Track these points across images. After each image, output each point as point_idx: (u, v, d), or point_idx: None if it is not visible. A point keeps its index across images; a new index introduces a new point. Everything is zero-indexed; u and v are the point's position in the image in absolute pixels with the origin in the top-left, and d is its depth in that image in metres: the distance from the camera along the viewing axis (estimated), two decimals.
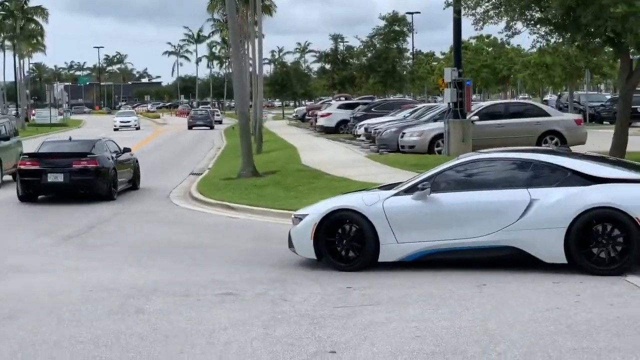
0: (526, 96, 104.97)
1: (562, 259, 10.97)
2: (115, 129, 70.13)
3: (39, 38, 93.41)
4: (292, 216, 12.73)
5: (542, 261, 11.11)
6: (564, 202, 10.94)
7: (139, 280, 11.41)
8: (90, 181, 21.03)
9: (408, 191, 11.75)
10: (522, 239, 11.07)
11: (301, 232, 12.02)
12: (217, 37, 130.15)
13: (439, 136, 28.88)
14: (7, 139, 27.18)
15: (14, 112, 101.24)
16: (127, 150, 23.69)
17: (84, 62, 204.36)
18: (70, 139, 23.68)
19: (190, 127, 72.45)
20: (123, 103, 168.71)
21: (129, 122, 75.35)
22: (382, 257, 11.64)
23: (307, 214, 12.18)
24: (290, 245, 12.31)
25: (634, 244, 10.69)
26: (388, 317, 9.08)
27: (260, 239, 14.74)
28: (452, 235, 11.37)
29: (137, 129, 72.26)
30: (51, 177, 20.91)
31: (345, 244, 11.79)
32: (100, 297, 10.37)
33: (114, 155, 22.43)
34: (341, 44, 71.78)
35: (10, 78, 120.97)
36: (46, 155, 21.68)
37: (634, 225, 10.65)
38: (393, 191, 11.97)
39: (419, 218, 11.51)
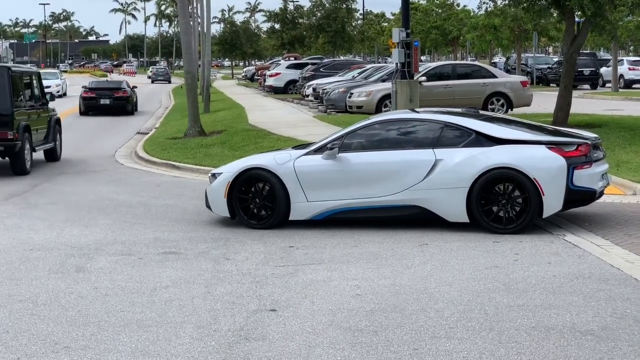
0: (473, 58, 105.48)
1: (464, 218, 11.23)
2: None
3: None
4: (209, 174, 12.82)
5: (445, 220, 11.34)
6: (466, 162, 11.16)
7: (81, 239, 11.33)
8: (124, 104, 39.13)
9: (318, 151, 11.91)
10: (426, 198, 11.30)
11: (216, 190, 12.16)
12: None
13: (387, 96, 28.89)
14: None
15: None
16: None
17: (30, 20, 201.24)
18: (107, 80, 37.90)
19: (152, 82, 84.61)
20: (69, 61, 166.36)
21: (48, 87, 42.87)
22: (293, 216, 11.82)
23: (221, 173, 12.28)
24: (207, 203, 12.44)
25: (532, 203, 10.93)
26: (329, 276, 9.14)
27: (204, 199, 14.68)
28: (361, 195, 11.56)
29: (61, 96, 50.85)
30: (102, 101, 38.49)
31: (258, 203, 11.93)
32: (40, 256, 10.29)
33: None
34: (291, 3, 71.37)
35: None
36: (98, 88, 39.88)
37: (532, 186, 10.89)
38: (304, 150, 12.12)
39: (328, 177, 11.67)
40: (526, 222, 11.03)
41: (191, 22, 38.75)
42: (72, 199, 14.92)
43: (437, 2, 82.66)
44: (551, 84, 53.51)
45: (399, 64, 27.80)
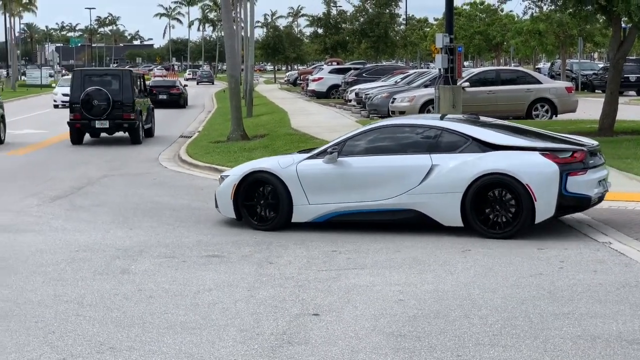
0: (517, 64, 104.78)
1: (459, 222, 11.36)
2: (56, 106, 47.27)
3: None
4: (219, 176, 13.15)
5: (441, 224, 11.46)
6: (461, 168, 11.29)
7: (125, 241, 11.42)
8: (178, 99, 47.27)
9: (320, 155, 12.16)
10: (423, 202, 11.47)
11: (223, 192, 12.51)
12: (208, 0, 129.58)
13: (430, 102, 28.80)
14: None
15: (4, 72, 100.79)
16: None
17: (77, 24, 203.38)
18: (163, 79, 37.68)
19: (197, 83, 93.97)
20: (115, 65, 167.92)
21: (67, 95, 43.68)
22: (295, 218, 12.07)
23: (229, 175, 12.67)
24: (216, 205, 12.74)
25: (524, 209, 11.00)
26: (372, 281, 9.13)
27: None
28: (360, 198, 11.77)
29: None
30: (160, 96, 41.84)
31: (262, 205, 12.23)
32: (86, 258, 10.39)
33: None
34: (334, 8, 71.32)
35: (0, 38, 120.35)
36: (156, 86, 44.76)
37: (525, 191, 10.97)
38: (307, 154, 12.38)
39: (329, 181, 11.92)
40: (518, 228, 11.10)
41: (235, 27, 38.94)
42: (116, 201, 15.04)
43: (481, 7, 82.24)
44: (596, 90, 52.96)
45: (442, 70, 27.72)
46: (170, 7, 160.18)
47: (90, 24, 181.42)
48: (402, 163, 11.65)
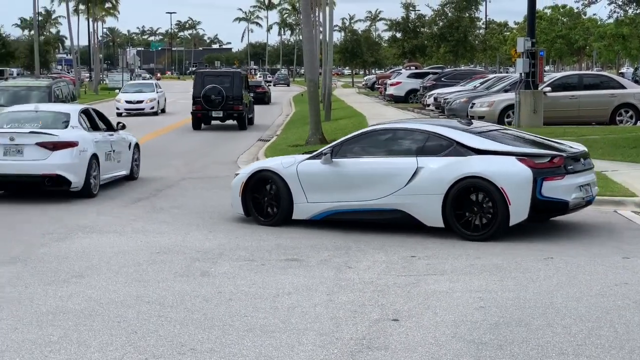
0: (599, 68, 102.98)
1: (440, 223, 11.76)
2: (119, 114, 43.30)
3: (113, 2, 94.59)
4: (234, 175, 13.98)
5: (423, 224, 11.88)
6: (443, 170, 11.71)
7: (204, 244, 11.53)
8: (263, 96, 49.22)
9: (319, 156, 12.75)
10: (408, 203, 11.91)
11: (233, 189, 13.43)
12: (287, 4, 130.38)
13: (510, 107, 28.49)
14: (63, 103, 24.11)
15: (87, 75, 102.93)
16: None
17: (157, 28, 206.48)
18: (249, 80, 40.37)
19: (274, 85, 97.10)
20: (193, 68, 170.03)
21: (140, 102, 45.13)
22: (296, 215, 12.80)
23: (239, 174, 13.54)
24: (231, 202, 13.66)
25: (499, 211, 11.34)
26: (452, 287, 9.03)
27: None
28: (352, 198, 12.35)
29: (156, 113, 45.14)
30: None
31: (267, 202, 13.01)
32: (166, 259, 10.51)
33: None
34: (413, 12, 71.08)
35: (84, 42, 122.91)
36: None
37: (499, 194, 11.29)
38: (307, 156, 13.05)
39: (325, 180, 12.56)
40: (494, 230, 11.41)
41: (313, 31, 39.06)
42: (195, 204, 15.19)
43: (563, 10, 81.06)
44: None
45: (523, 74, 27.39)
46: (249, 11, 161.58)
47: (171, 28, 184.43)
48: (391, 165, 12.16)
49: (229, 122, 35.21)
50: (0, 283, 9.33)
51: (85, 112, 17.53)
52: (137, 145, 19.15)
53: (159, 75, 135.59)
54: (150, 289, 9.06)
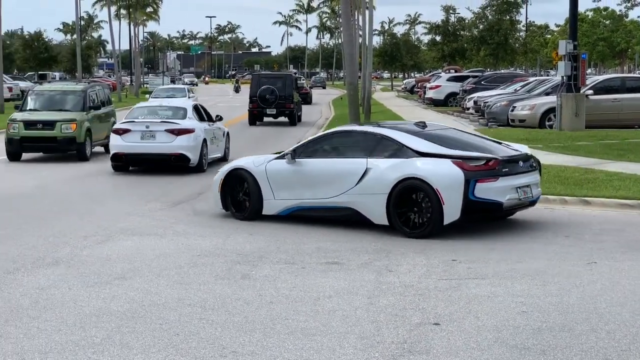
0: None
1: (385, 221, 12.37)
2: None
3: (154, 7, 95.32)
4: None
5: (371, 222, 12.50)
6: (388, 171, 12.36)
7: (245, 247, 11.56)
8: (305, 96, 49.29)
9: (284, 156, 13.58)
10: (357, 201, 12.64)
11: (214, 186, 14.37)
12: (327, 8, 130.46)
13: (551, 110, 28.30)
14: (98, 107, 25.36)
15: (128, 79, 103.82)
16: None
17: (197, 32, 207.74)
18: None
19: (311, 87, 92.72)
20: (233, 72, 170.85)
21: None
22: (265, 211, 13.67)
23: (219, 171, 14.46)
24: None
25: (434, 211, 11.89)
26: (493, 291, 8.98)
27: None
28: (312, 195, 13.18)
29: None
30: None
31: (241, 197, 13.92)
32: (207, 262, 10.56)
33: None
34: (452, 15, 70.75)
35: (125, 46, 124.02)
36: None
37: (434, 195, 11.86)
38: (276, 155, 13.87)
39: (289, 179, 13.43)
40: (430, 229, 11.97)
41: (353, 35, 39.06)
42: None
43: (605, 13, 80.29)
44: None
45: (564, 77, 27.17)
46: (288, 15, 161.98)
47: (211, 32, 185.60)
48: (344, 165, 12.88)
49: (281, 118, 39.82)
50: (44, 285, 9.43)
51: (195, 107, 22.29)
52: (228, 134, 23.58)
53: (207, 79, 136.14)
54: (191, 291, 9.10)
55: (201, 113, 22.19)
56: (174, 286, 9.34)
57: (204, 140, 20.86)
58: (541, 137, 24.30)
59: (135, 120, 20.90)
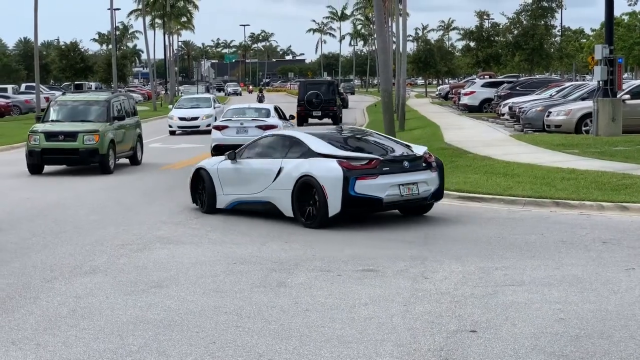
0: None
1: (291, 214, 14.18)
2: (172, 132, 40.50)
3: (188, 16, 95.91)
4: None
5: (284, 215, 14.25)
6: (293, 170, 14.20)
7: (280, 255, 11.58)
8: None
9: (229, 157, 15.71)
10: (274, 196, 14.54)
11: (189, 183, 16.40)
12: (360, 15, 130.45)
13: (587, 115, 28.04)
14: (122, 118, 24.62)
15: (162, 88, 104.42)
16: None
17: (231, 40, 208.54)
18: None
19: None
20: (267, 80, 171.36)
21: (195, 119, 40.61)
22: (218, 204, 15.73)
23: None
24: None
25: (321, 204, 13.59)
26: (530, 298, 8.91)
27: (401, 216, 14.71)
28: (246, 191, 15.18)
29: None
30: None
31: (201, 193, 16.01)
32: (243, 270, 10.58)
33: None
34: (487, 20, 70.40)
35: (159, 55, 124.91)
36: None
37: (321, 190, 13.59)
38: (225, 156, 15.87)
39: (231, 177, 15.52)
40: (319, 220, 13.66)
41: (387, 42, 39.00)
42: (272, 215, 15.23)
43: None
44: None
45: (600, 82, 26.94)
46: (322, 23, 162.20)
47: (244, 41, 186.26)
48: (266, 165, 14.85)
49: (325, 120, 44.74)
50: (81, 293, 9.51)
51: (275, 108, 29.09)
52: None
53: (251, 87, 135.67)
54: (227, 299, 9.13)
55: (279, 113, 28.58)
56: (210, 294, 9.38)
57: None
58: (577, 142, 24.11)
59: (231, 119, 27.61)
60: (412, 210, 14.65)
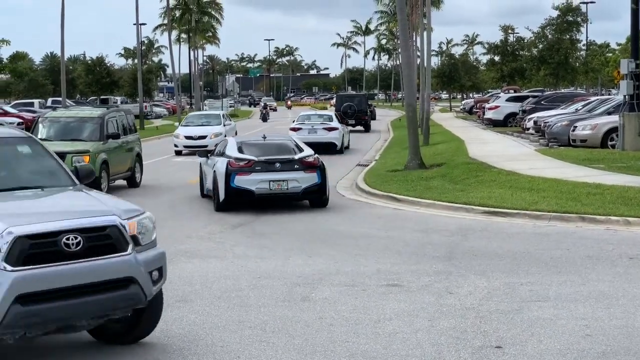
0: None
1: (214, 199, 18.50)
2: (178, 152, 35.97)
3: (213, 31, 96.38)
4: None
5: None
6: (214, 166, 18.32)
7: (304, 269, 11.57)
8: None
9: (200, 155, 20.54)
10: (209, 186, 18.85)
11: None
12: (384, 29, 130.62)
13: (613, 130, 27.88)
14: (117, 136, 22.22)
15: (187, 102, 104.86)
16: None
17: (255, 54, 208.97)
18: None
19: None
20: (291, 95, 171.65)
21: (203, 138, 35.53)
22: (204, 193, 19.79)
23: None
24: None
25: (216, 193, 18.02)
26: (556, 314, 8.86)
27: (426, 231, 14.67)
28: (208, 182, 19.17)
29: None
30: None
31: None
32: (267, 285, 10.58)
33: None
34: (511, 35, 70.21)
35: (184, 70, 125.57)
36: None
37: (216, 182, 18.07)
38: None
39: (206, 171, 19.47)
40: (216, 204, 17.86)
41: (411, 56, 39.00)
42: (295, 229, 15.29)
43: None
44: None
45: (626, 96, 26.82)
46: (346, 37, 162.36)
47: (269, 55, 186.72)
48: (212, 162, 18.96)
49: (357, 127, 51.85)
50: None
51: (335, 115, 39.13)
52: (349, 132, 39.46)
53: (289, 102, 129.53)
54: (252, 314, 9.13)
55: (338, 118, 38.03)
56: (234, 309, 9.38)
57: (343, 135, 36.43)
58: (603, 157, 23.96)
59: (304, 122, 36.81)
60: (315, 203, 18.17)
